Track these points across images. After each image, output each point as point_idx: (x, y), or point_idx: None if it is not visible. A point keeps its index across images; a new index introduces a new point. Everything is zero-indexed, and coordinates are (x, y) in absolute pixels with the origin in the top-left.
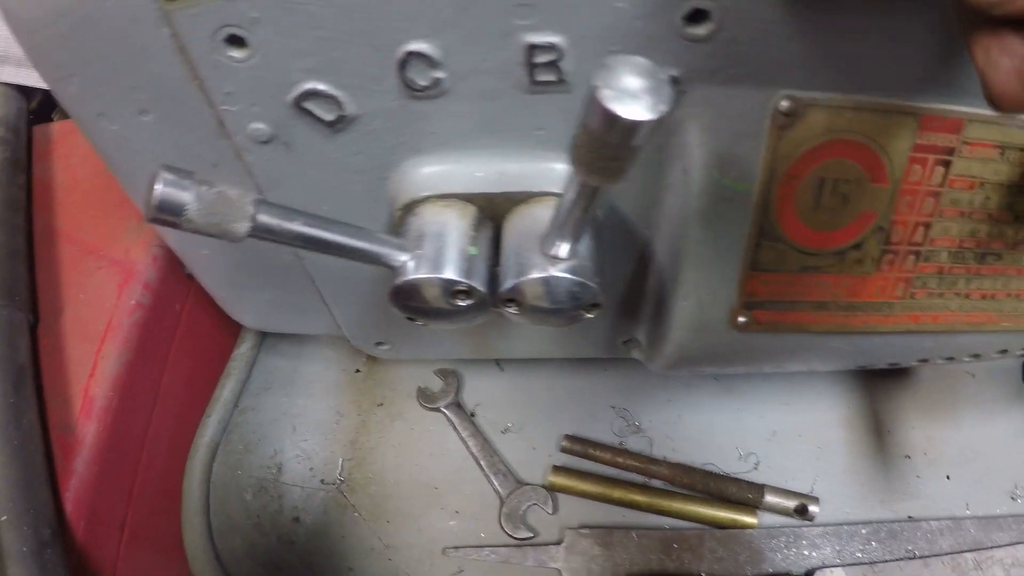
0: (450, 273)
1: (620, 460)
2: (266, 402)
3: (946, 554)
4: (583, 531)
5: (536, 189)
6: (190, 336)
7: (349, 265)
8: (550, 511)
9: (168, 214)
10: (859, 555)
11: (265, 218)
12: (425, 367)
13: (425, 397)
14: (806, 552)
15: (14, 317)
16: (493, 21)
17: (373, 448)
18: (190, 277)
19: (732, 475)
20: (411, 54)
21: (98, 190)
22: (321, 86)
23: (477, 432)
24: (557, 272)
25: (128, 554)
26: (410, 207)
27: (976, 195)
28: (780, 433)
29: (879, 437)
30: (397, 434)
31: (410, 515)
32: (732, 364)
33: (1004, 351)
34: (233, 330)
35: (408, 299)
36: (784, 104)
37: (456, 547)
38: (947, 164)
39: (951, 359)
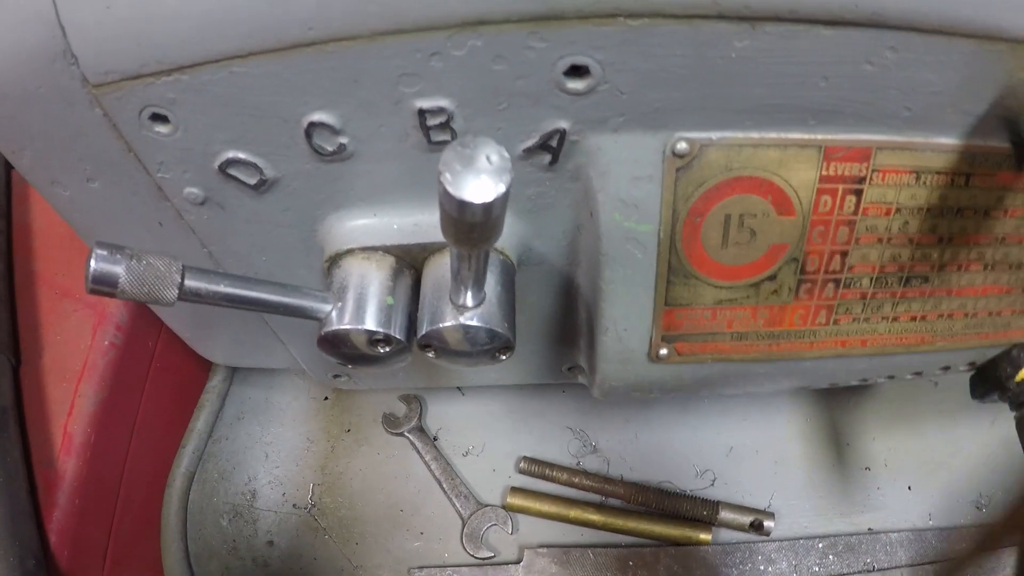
0: (369, 323)
1: (577, 480)
2: (239, 431)
3: (906, 566)
4: (541, 550)
5: None
6: (163, 371)
7: None
8: (509, 531)
9: (104, 286)
10: (816, 569)
11: (192, 283)
12: (390, 393)
13: (390, 423)
14: (762, 567)
15: None
16: (383, 91)
17: (342, 473)
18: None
19: (688, 492)
20: (313, 124)
21: (72, 235)
22: (241, 154)
23: (439, 456)
24: (465, 320)
25: None
26: (335, 259)
27: (894, 221)
28: (737, 449)
29: (838, 450)
30: (364, 459)
31: (377, 537)
32: (665, 392)
33: (947, 368)
34: (205, 364)
35: (335, 347)
36: (680, 146)
37: (421, 567)
38: (859, 192)
39: (892, 377)
